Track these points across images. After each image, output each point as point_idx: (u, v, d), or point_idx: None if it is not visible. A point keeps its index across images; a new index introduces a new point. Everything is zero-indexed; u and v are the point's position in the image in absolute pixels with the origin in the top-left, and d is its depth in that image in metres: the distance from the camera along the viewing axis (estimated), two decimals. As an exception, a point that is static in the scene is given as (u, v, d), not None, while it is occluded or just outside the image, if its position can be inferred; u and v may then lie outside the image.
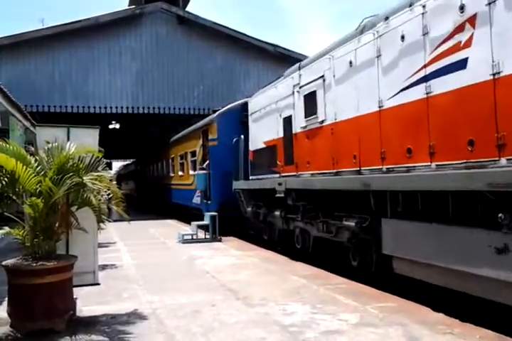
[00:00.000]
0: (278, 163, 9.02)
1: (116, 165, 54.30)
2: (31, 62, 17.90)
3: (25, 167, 4.64)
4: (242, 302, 5.60)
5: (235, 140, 11.49)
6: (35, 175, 4.72)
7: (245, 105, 11.78)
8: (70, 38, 18.19)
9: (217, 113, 13.69)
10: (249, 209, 10.70)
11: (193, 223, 12.35)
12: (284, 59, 19.40)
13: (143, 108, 19.21)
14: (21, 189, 4.80)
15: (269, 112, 9.59)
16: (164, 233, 13.78)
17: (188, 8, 21.02)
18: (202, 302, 5.57)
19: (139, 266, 8.33)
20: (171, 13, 19.64)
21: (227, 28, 20.04)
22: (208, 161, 13.98)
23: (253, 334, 4.39)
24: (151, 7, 19.43)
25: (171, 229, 15.05)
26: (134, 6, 19.64)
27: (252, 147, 10.81)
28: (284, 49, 20.27)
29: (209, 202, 13.47)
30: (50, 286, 4.56)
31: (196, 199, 15.15)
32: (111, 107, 18.79)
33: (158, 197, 23.97)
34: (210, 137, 13.66)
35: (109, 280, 6.89)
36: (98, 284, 6.62)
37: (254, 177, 10.52)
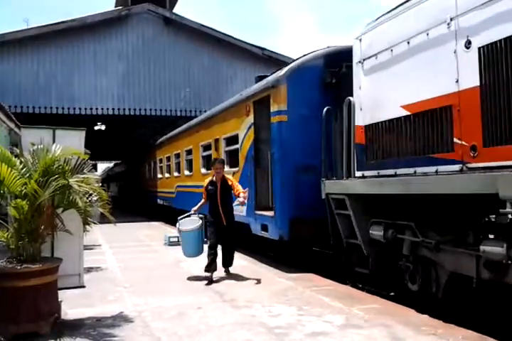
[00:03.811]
0: (456, 141, 4.52)
1: (102, 166, 54.05)
2: (16, 62, 17.69)
3: (10, 169, 4.60)
4: (228, 304, 5.61)
5: (326, 110, 6.97)
6: (20, 177, 4.68)
7: (332, 56, 7.85)
8: (55, 39, 18.02)
9: (285, 70, 8.24)
10: (377, 232, 5.74)
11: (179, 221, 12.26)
12: (271, 62, 19.47)
13: (129, 109, 19.09)
14: (6, 191, 4.76)
15: (424, 46, 4.98)
16: (150, 235, 13.72)
17: (176, 10, 21.02)
18: (188, 305, 5.57)
19: (125, 268, 8.28)
20: (158, 15, 19.58)
21: (214, 30, 20.04)
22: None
23: (239, 336, 4.40)
24: (138, 8, 19.35)
25: (157, 231, 15.00)
26: (120, 7, 19.55)
27: (363, 120, 6.05)
28: (272, 52, 20.33)
29: (271, 215, 8.06)
30: (35, 289, 4.53)
31: (239, 209, 8.95)
32: (96, 108, 18.64)
33: (149, 200, 22.38)
34: (273, 109, 8.17)
35: (94, 283, 6.84)
36: (83, 287, 6.58)
37: (369, 172, 5.88)
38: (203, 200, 7.58)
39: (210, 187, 7.32)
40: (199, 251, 7.56)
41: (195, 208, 7.57)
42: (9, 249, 4.87)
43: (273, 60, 19.55)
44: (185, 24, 19.71)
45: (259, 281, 6.87)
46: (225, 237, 7.32)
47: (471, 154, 4.36)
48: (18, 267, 4.55)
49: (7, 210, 5.00)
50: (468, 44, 4.43)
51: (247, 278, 7.13)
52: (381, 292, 6.00)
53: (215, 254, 7.09)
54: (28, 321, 4.47)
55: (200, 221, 7.54)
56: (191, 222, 7.55)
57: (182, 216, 7.70)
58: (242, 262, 8.65)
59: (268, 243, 8.86)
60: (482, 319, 4.74)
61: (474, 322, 4.56)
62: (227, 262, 7.51)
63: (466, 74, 4.42)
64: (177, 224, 7.59)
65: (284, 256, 8.56)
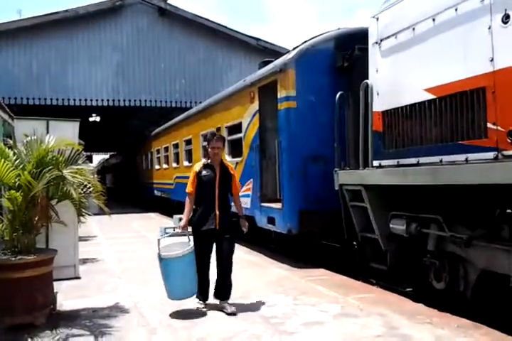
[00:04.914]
0: (491, 126, 4.08)
1: (97, 157, 53.96)
2: (8, 53, 17.52)
3: (3, 160, 4.57)
4: (224, 294, 5.61)
5: (339, 95, 6.57)
6: (13, 169, 4.65)
7: (343, 38, 7.41)
8: (48, 30, 17.84)
9: (293, 53, 7.78)
10: (398, 226, 5.30)
11: (174, 216, 12.30)
12: (266, 52, 19.37)
13: (124, 101, 18.96)
14: (-1, 182, 4.74)
15: (452, 23, 4.50)
16: (146, 226, 13.73)
17: (171, 0, 20.85)
18: (184, 295, 5.57)
19: (120, 259, 8.29)
20: (152, 5, 19.41)
21: (209, 20, 19.90)
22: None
23: (235, 327, 4.41)
24: (132, -2, 19.20)
25: (153, 222, 15.01)
26: (114, -3, 19.36)
27: (380, 105, 5.60)
28: (267, 42, 20.22)
29: (279, 207, 7.70)
30: (30, 280, 4.51)
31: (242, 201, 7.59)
32: (91, 100, 18.52)
33: (146, 192, 22.06)
34: (280, 95, 7.73)
35: (89, 274, 6.84)
36: (79, 278, 6.58)
37: (387, 161, 5.45)
38: (188, 198, 5.14)
39: (204, 172, 5.09)
40: (192, 288, 4.97)
41: (183, 223, 5.11)
42: (4, 241, 4.86)
43: (268, 51, 19.42)
44: (179, 14, 19.56)
45: (255, 272, 6.88)
46: (219, 248, 5.01)
47: (509, 140, 3.92)
48: (13, 258, 4.53)
49: (1, 202, 4.97)
50: (506, 18, 3.95)
51: (243, 269, 7.13)
52: (397, 288, 5.69)
53: (205, 270, 5.07)
54: (23, 312, 4.46)
55: (192, 243, 5.02)
56: (179, 246, 5.02)
57: (163, 235, 5.22)
58: (239, 253, 8.65)
59: (272, 235, 8.64)
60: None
61: (469, 312, 4.59)
62: (223, 289, 5.03)
63: (503, 52, 3.96)
64: (158, 247, 4.97)
65: (286, 248, 8.41)
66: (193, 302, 5.22)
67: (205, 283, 5.07)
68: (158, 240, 5.00)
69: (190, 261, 4.88)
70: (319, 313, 4.76)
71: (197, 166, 5.22)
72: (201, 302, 5.11)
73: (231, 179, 5.19)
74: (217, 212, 4.96)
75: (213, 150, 5.09)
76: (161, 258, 4.86)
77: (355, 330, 4.24)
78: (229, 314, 4.77)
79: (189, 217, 5.12)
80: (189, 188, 5.12)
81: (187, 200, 5.14)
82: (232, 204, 5.29)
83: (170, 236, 5.31)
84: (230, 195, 5.24)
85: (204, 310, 4.98)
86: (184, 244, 4.97)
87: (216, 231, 4.95)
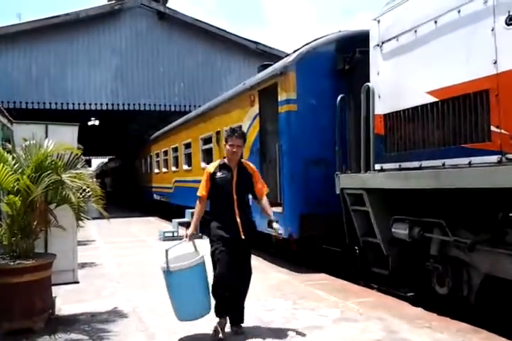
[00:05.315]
0: (494, 129, 4.03)
1: (96, 161, 53.93)
2: (8, 57, 17.53)
3: (2, 164, 4.57)
4: (223, 299, 5.60)
5: (340, 98, 6.60)
6: (12, 173, 4.65)
7: (344, 40, 7.37)
8: (48, 33, 17.85)
9: (294, 55, 7.71)
10: (401, 230, 5.24)
11: (174, 220, 12.30)
12: (265, 56, 19.41)
13: (123, 104, 18.97)
14: (-2, 187, 4.73)
15: (455, 25, 4.47)
16: (145, 230, 13.71)
17: (171, 4, 20.87)
18: (183, 300, 5.55)
19: (119, 263, 8.27)
20: (151, 9, 19.46)
21: (208, 24, 19.95)
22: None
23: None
24: (131, 2, 19.19)
25: (152, 226, 14.99)
26: (113, 1, 19.40)
27: (382, 108, 5.56)
28: (266, 46, 20.27)
29: (279, 211, 7.48)
30: (29, 285, 4.51)
31: None
32: (90, 104, 18.52)
33: (145, 195, 22.20)
34: (281, 98, 7.64)
35: (88, 279, 6.83)
36: (77, 282, 6.57)
37: (389, 165, 5.40)
38: (198, 204, 4.50)
39: (219, 174, 4.42)
40: (205, 306, 4.32)
41: (190, 231, 4.45)
42: (2, 245, 4.85)
43: (267, 55, 19.45)
44: (178, 18, 19.59)
45: (255, 276, 6.85)
46: (238, 262, 4.38)
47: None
48: (12, 263, 4.52)
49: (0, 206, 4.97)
50: (509, 20, 3.92)
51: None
52: (397, 292, 5.65)
53: (225, 288, 4.27)
54: (21, 317, 4.45)
55: (200, 253, 4.44)
56: (185, 258, 4.36)
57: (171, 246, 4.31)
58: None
59: (271, 239, 8.53)
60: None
61: (471, 316, 4.58)
62: (237, 313, 4.43)
63: (507, 54, 3.91)
64: (166, 260, 4.22)
65: (286, 252, 8.38)
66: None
67: (223, 292, 4.27)
68: (167, 251, 4.22)
69: (202, 273, 4.31)
70: (319, 318, 4.75)
71: (211, 167, 4.55)
72: (222, 318, 4.33)
73: (251, 179, 4.50)
74: (238, 219, 4.34)
75: (232, 148, 4.40)
76: (169, 271, 4.19)
77: (355, 334, 4.23)
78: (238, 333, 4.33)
79: (197, 224, 4.53)
80: (201, 192, 4.46)
81: (197, 205, 4.51)
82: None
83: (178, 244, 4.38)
84: (254, 198, 4.59)
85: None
86: (192, 255, 4.37)
87: (240, 241, 4.31)
